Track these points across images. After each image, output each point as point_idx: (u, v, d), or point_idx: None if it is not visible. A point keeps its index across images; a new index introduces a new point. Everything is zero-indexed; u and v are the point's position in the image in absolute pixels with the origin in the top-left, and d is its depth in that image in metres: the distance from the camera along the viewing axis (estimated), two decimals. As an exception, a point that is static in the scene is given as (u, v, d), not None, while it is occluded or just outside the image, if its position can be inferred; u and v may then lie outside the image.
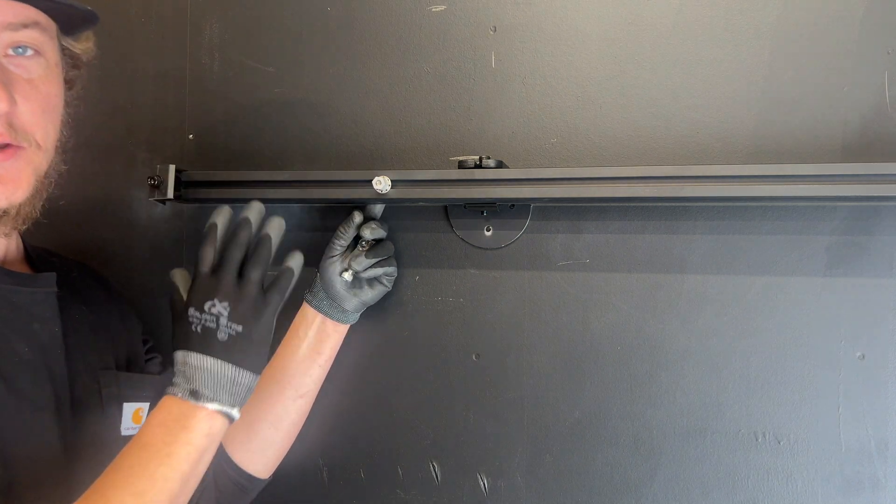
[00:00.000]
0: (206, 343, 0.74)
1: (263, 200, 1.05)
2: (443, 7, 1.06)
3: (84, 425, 0.79)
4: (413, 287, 1.05)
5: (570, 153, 1.01)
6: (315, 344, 1.00)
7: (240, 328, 0.75)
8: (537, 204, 1.00)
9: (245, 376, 0.75)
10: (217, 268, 0.78)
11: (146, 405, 0.88)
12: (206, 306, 0.75)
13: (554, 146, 1.02)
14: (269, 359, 0.77)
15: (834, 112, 0.92)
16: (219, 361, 0.74)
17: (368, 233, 0.98)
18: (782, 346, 0.94)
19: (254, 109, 1.12)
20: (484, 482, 1.02)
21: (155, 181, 1.02)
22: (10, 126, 0.72)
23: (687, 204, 0.95)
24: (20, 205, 0.75)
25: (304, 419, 1.03)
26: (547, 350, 1.01)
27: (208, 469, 0.94)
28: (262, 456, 0.99)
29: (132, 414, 0.86)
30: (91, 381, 0.82)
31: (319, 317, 1.00)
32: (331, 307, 0.99)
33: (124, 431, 0.84)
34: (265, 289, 0.79)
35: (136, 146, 1.15)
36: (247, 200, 1.06)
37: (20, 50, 0.74)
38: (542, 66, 1.02)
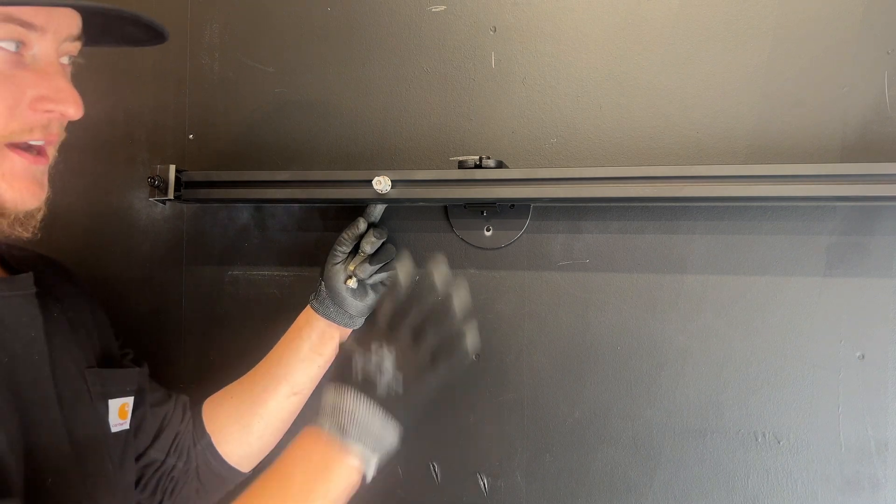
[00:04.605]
0: (364, 389, 0.75)
1: (263, 201, 1.06)
2: (443, 7, 1.06)
3: (77, 425, 0.79)
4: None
5: (570, 153, 1.01)
6: (317, 345, 1.00)
7: (400, 390, 0.76)
8: (537, 204, 1.00)
9: (389, 431, 0.76)
10: (394, 324, 0.78)
11: (130, 399, 0.88)
12: (374, 359, 0.75)
13: (554, 146, 1.02)
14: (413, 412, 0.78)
15: (834, 112, 0.93)
16: (370, 410, 0.74)
17: (368, 247, 0.98)
18: (782, 346, 0.94)
19: (254, 109, 1.12)
20: (484, 482, 1.02)
21: (155, 181, 1.02)
22: (62, 127, 0.75)
23: (687, 204, 0.95)
24: (42, 206, 0.76)
25: (294, 417, 1.02)
26: (547, 350, 1.01)
27: (191, 460, 0.95)
28: (248, 449, 0.99)
29: (118, 410, 0.86)
30: (79, 381, 0.82)
31: (324, 321, 1.00)
32: (337, 313, 0.99)
33: (113, 428, 0.84)
34: (434, 356, 0.79)
35: (136, 146, 1.15)
36: (247, 200, 1.06)
37: (66, 59, 0.76)
38: (542, 66, 1.02)
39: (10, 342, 0.75)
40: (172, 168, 1.03)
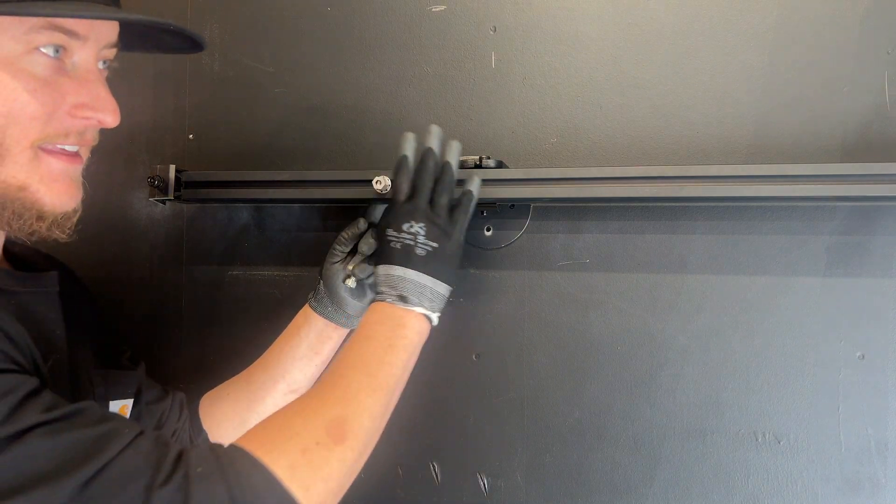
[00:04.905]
0: (406, 258, 0.85)
1: (263, 200, 1.06)
2: (443, 7, 1.06)
3: None
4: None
5: (570, 153, 1.01)
6: (315, 344, 1.00)
7: (435, 245, 0.85)
8: (537, 204, 1.00)
9: (440, 286, 0.85)
10: (412, 195, 0.88)
11: (130, 402, 0.88)
12: (405, 227, 0.85)
13: (554, 146, 1.02)
14: (456, 271, 0.88)
15: (834, 112, 0.92)
16: (418, 273, 0.84)
17: (366, 248, 0.98)
18: (782, 346, 0.94)
19: (254, 110, 1.12)
20: (484, 482, 1.02)
21: (155, 181, 1.02)
22: (97, 133, 0.77)
23: (687, 204, 0.95)
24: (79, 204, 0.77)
25: None
26: (547, 350, 1.01)
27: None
28: None
29: (118, 412, 0.86)
30: (86, 381, 0.82)
31: (322, 321, 1.00)
32: (335, 312, 0.99)
33: None
34: (452, 210, 0.89)
35: (136, 146, 1.15)
36: (247, 200, 1.07)
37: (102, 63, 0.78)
38: (542, 66, 1.02)
39: (37, 339, 0.74)
40: (172, 168, 1.03)
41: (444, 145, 0.90)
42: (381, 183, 0.96)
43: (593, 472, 0.99)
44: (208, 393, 1.01)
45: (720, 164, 0.93)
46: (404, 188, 0.88)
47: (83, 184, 0.76)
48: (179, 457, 0.63)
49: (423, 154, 0.89)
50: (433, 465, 1.04)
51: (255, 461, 0.64)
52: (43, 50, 0.69)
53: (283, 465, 0.65)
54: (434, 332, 1.05)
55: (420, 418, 1.04)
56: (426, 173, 0.88)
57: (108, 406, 0.84)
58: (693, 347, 0.96)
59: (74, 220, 0.75)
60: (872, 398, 0.91)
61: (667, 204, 0.96)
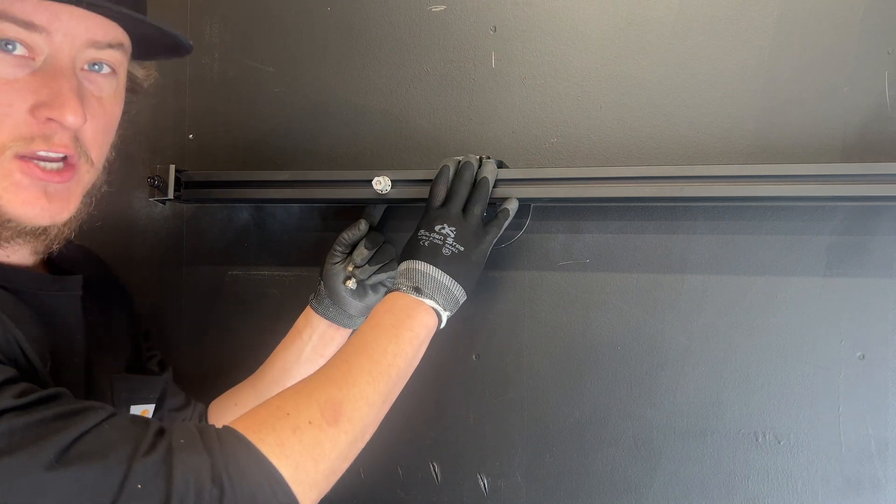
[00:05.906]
0: (431, 255, 0.86)
1: (263, 200, 1.06)
2: (443, 7, 1.06)
3: None
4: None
5: (570, 153, 1.01)
6: (318, 346, 1.00)
7: (462, 248, 0.87)
8: (537, 204, 1.00)
9: (457, 289, 0.87)
10: (446, 202, 0.90)
11: (152, 406, 0.88)
12: (437, 228, 0.87)
13: (554, 146, 1.02)
14: (475, 281, 0.90)
15: (834, 112, 0.92)
16: (439, 271, 0.85)
17: (359, 259, 0.98)
18: (782, 346, 0.94)
19: (254, 109, 1.12)
20: (484, 482, 1.02)
21: (155, 181, 1.02)
22: (76, 140, 0.70)
23: (687, 204, 0.95)
24: (62, 225, 0.72)
25: None
26: (547, 350, 1.01)
27: None
28: None
29: (139, 415, 0.85)
30: (105, 386, 0.81)
31: (324, 322, 0.99)
32: (336, 313, 0.99)
33: None
34: (484, 223, 0.91)
35: (136, 146, 1.15)
36: (247, 200, 1.07)
37: (97, 66, 0.71)
38: (542, 66, 1.02)
39: (55, 341, 0.73)
40: (172, 168, 1.03)
41: (482, 165, 0.93)
42: (381, 183, 0.96)
43: (593, 472, 0.99)
44: (215, 401, 1.01)
45: (720, 164, 0.93)
46: (441, 194, 0.90)
47: (71, 202, 0.70)
48: (161, 431, 0.62)
49: (461, 166, 0.92)
50: (433, 465, 1.04)
51: (241, 437, 0.63)
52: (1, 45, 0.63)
53: (271, 443, 0.64)
54: (435, 332, 1.05)
55: (420, 418, 1.04)
56: (461, 183, 0.90)
57: (129, 410, 0.83)
58: (693, 347, 0.96)
59: (53, 236, 0.71)
60: (872, 398, 0.91)
61: (667, 204, 0.96)
